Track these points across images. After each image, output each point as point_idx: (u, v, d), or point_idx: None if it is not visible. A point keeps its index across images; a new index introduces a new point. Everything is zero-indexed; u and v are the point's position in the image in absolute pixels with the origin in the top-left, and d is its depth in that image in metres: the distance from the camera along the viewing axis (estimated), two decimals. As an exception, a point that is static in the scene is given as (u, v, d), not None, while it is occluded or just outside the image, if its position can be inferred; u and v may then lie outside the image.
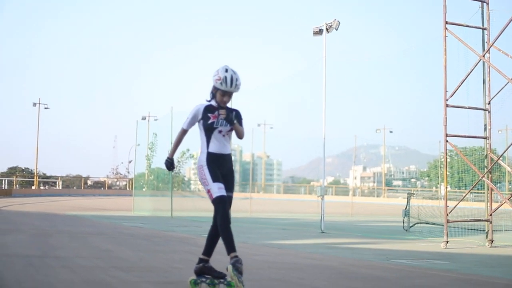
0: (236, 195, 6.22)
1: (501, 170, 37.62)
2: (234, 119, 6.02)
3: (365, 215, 35.69)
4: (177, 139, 6.30)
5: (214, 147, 6.04)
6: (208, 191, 5.93)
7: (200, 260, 6.13)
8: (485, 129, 14.24)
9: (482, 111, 14.26)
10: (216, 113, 6.04)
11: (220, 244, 5.90)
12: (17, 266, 7.58)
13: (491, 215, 13.95)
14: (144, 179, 40.97)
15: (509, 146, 15.09)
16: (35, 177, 59.99)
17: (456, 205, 14.61)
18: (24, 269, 7.25)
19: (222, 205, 5.85)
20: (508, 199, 14.09)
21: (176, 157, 6.40)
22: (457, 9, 15.12)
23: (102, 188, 67.39)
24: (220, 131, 6.03)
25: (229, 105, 6.21)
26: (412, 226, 20.17)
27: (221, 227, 5.82)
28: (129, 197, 39.42)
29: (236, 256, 5.65)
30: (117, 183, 75.94)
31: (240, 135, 6.15)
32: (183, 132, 6.24)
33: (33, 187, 57.64)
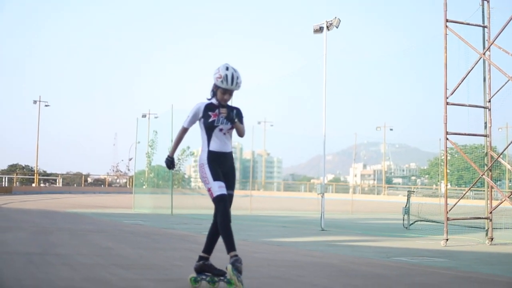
0: (236, 192, 6.23)
1: (501, 168, 37.59)
2: (235, 118, 6.02)
3: (365, 212, 35.68)
4: (177, 137, 6.30)
5: (215, 146, 6.04)
6: (209, 190, 5.93)
7: (200, 258, 6.14)
8: (485, 127, 14.24)
9: (483, 109, 14.25)
10: (216, 111, 6.04)
11: (220, 241, 5.92)
12: (17, 263, 7.59)
13: (491, 213, 13.96)
14: (144, 177, 40.92)
15: (509, 144, 15.07)
16: (35, 174, 60.02)
17: (456, 203, 14.61)
18: (24, 267, 7.25)
19: (222, 203, 5.86)
20: (508, 197, 14.09)
21: (176, 155, 6.40)
22: (457, 7, 15.13)
23: (102, 186, 67.41)
24: (221, 129, 6.03)
25: (229, 103, 6.21)
26: (412, 223, 20.17)
27: (221, 225, 5.83)
28: (129, 194, 39.40)
29: (236, 255, 5.66)
30: (117, 180, 75.92)
31: (240, 133, 6.15)
32: (184, 131, 6.24)
33: (34, 185, 57.61)
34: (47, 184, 63.23)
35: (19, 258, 8.16)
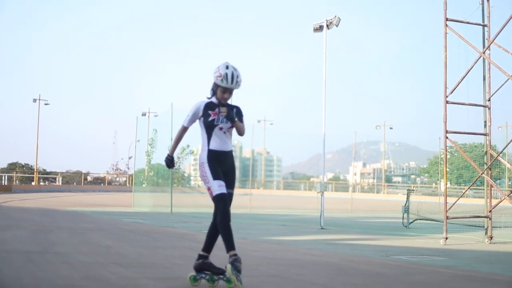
0: (236, 191, 6.23)
1: (501, 167, 37.63)
2: (235, 117, 6.02)
3: (365, 211, 35.71)
4: (177, 136, 6.30)
5: (215, 144, 6.04)
6: (209, 189, 5.94)
7: (200, 256, 6.15)
8: (485, 125, 14.24)
9: (482, 107, 14.25)
10: (216, 110, 6.03)
11: (220, 240, 5.92)
12: (17, 262, 7.59)
13: (490, 211, 13.96)
14: (144, 175, 40.95)
15: (509, 143, 15.07)
16: (35, 173, 60.02)
17: (456, 202, 14.61)
18: (24, 265, 7.26)
19: (222, 202, 5.86)
20: (508, 196, 14.10)
21: (176, 153, 6.41)
22: (457, 5, 15.13)
23: (102, 184, 67.41)
24: (221, 128, 6.03)
25: (229, 101, 6.21)
26: (411, 222, 20.17)
27: (221, 224, 5.83)
28: (129, 193, 39.41)
29: (235, 255, 5.66)
30: (117, 179, 75.92)
31: (240, 132, 6.15)
32: (184, 130, 6.23)
33: (33, 183, 57.64)
34: (46, 182, 63.24)
35: (18, 257, 8.17)
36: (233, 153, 6.25)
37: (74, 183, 64.77)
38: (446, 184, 14.76)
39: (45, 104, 60.39)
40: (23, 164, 68.79)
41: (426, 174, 79.92)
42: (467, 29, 14.37)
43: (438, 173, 53.97)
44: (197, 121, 6.14)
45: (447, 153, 14.93)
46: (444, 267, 8.89)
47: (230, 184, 6.06)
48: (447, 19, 13.98)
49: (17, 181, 58.59)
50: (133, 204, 30.96)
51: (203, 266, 6.12)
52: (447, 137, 13.90)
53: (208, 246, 6.16)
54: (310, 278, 7.29)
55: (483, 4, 14.39)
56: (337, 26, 20.26)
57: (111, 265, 7.64)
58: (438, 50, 14.30)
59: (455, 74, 14.05)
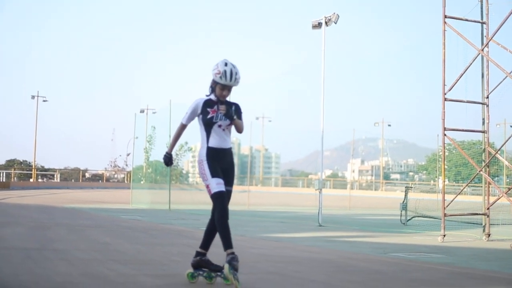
0: (234, 188, 6.22)
1: (499, 164, 37.69)
2: (234, 115, 6.01)
3: (363, 208, 35.72)
4: (176, 134, 6.28)
5: (214, 142, 6.03)
6: (207, 186, 5.94)
7: (197, 253, 6.15)
8: (483, 123, 14.25)
9: (481, 105, 14.26)
10: (215, 107, 6.02)
11: (218, 237, 5.92)
12: (15, 259, 7.59)
13: (488, 209, 13.98)
14: (142, 172, 40.90)
15: (507, 140, 15.10)
16: (33, 169, 59.95)
17: (454, 199, 14.63)
18: (22, 262, 7.26)
19: (220, 200, 5.86)
20: (506, 193, 14.12)
21: (174, 150, 6.38)
22: (456, 3, 15.13)
23: (100, 181, 67.40)
24: (219, 126, 6.02)
25: (228, 99, 6.19)
26: (409, 219, 20.20)
27: (219, 222, 5.83)
28: (127, 190, 39.36)
29: (233, 253, 5.66)
30: (115, 176, 75.90)
31: (239, 130, 6.14)
32: (182, 127, 6.22)
33: (31, 180, 57.56)
34: (45, 179, 63.21)
35: (17, 254, 8.16)
36: (232, 150, 6.25)
37: (72, 180, 64.75)
38: (444, 181, 14.78)
39: (43, 101, 60.32)
40: (21, 160, 68.71)
41: (424, 171, 79.95)
42: (466, 26, 14.38)
43: (436, 170, 54.01)
44: (196, 118, 6.14)
45: (445, 150, 14.94)
46: (441, 264, 8.90)
47: (229, 182, 6.06)
48: (445, 16, 13.97)
49: (15, 178, 58.56)
50: (131, 201, 30.94)
51: (201, 263, 6.12)
52: (445, 134, 13.91)
53: (206, 243, 6.16)
54: (308, 275, 7.29)
55: (481, 1, 14.39)
56: (335, 23, 20.27)
57: (109, 262, 7.64)
58: (437, 47, 14.31)
59: (454, 72, 14.08)
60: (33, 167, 60.36)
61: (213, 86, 6.07)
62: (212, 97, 6.08)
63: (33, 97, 59.47)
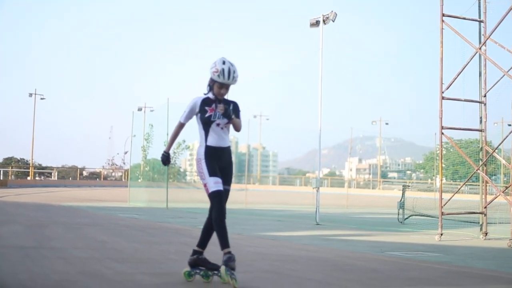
0: (232, 186, 6.21)
1: (496, 163, 37.73)
2: (232, 114, 6.00)
3: (360, 207, 35.73)
4: (174, 133, 6.27)
5: (212, 141, 6.02)
6: (205, 185, 5.93)
7: (194, 252, 6.15)
8: (481, 121, 14.26)
9: (478, 103, 14.27)
10: (213, 106, 6.02)
11: (215, 235, 5.91)
12: (12, 257, 7.59)
13: (485, 207, 14.00)
14: (139, 170, 40.95)
15: (504, 139, 15.12)
16: (30, 167, 59.91)
17: (451, 198, 14.65)
18: (19, 260, 7.25)
19: (217, 199, 5.86)
20: (503, 192, 14.13)
21: (172, 149, 6.37)
22: (454, 1, 15.15)
23: (97, 179, 67.36)
24: (218, 124, 6.01)
25: (226, 96, 6.19)
26: (407, 218, 20.21)
27: (216, 222, 5.83)
28: (124, 188, 39.35)
29: (229, 252, 5.66)
30: (113, 174, 75.91)
31: (237, 128, 6.13)
32: (180, 126, 6.22)
33: (29, 178, 57.53)
34: (42, 177, 63.12)
35: (14, 252, 8.16)
36: (230, 149, 6.24)
37: (70, 178, 64.67)
38: (441, 180, 14.79)
39: (41, 98, 60.29)
40: (19, 158, 68.64)
41: (422, 170, 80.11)
42: (464, 25, 14.39)
43: (433, 169, 54.04)
44: (194, 117, 6.13)
45: (443, 149, 14.95)
46: (439, 263, 8.91)
47: (226, 181, 6.05)
48: (443, 15, 13.98)
49: (12, 176, 58.49)
50: (129, 199, 30.92)
51: (198, 262, 6.12)
52: (442, 133, 13.93)
53: (203, 242, 6.16)
54: (305, 274, 7.30)
55: (479, 0, 14.40)
56: (333, 21, 20.25)
57: (106, 260, 7.64)
58: (435, 46, 14.29)
59: (451, 70, 14.08)
60: (31, 165, 60.33)
61: (211, 85, 6.06)
62: (210, 95, 6.07)
63: (30, 95, 59.43)
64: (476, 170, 14.19)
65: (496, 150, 14.65)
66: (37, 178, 60.63)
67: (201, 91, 6.21)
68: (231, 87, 6.11)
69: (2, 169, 57.89)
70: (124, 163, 72.34)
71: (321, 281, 6.78)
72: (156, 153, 34.54)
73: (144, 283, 6.03)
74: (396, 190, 54.54)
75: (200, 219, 10.50)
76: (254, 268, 7.60)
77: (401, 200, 20.84)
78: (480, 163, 14.25)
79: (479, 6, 14.37)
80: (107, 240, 10.78)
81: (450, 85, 13.89)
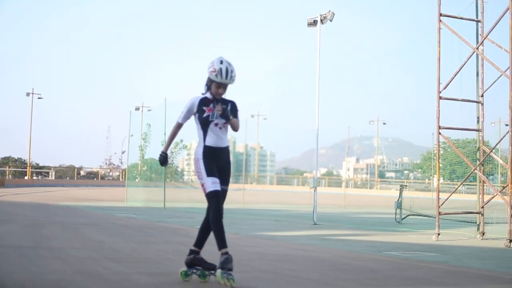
0: (229, 186, 6.21)
1: (493, 163, 37.68)
2: (230, 115, 5.99)
3: (358, 206, 35.72)
4: (172, 133, 6.27)
5: (210, 141, 6.01)
6: (202, 185, 5.93)
7: (191, 252, 6.15)
8: (478, 121, 14.27)
9: (475, 103, 14.29)
10: (211, 106, 6.01)
11: (212, 235, 5.91)
12: (9, 256, 7.58)
13: (482, 207, 14.01)
14: (137, 170, 40.84)
15: (501, 139, 15.10)
16: (28, 167, 59.86)
17: (448, 197, 14.66)
18: (16, 260, 7.25)
19: (215, 199, 5.86)
20: (500, 192, 14.14)
21: (169, 149, 6.36)
22: (451, 1, 15.15)
23: (95, 179, 67.31)
24: (216, 124, 6.00)
25: (224, 96, 6.18)
26: (404, 218, 20.23)
27: (213, 222, 5.82)
28: (122, 187, 39.34)
29: (227, 253, 5.66)
30: (110, 173, 75.84)
31: (235, 128, 6.12)
32: (178, 126, 6.21)
33: (26, 178, 57.49)
34: (39, 177, 63.08)
35: (11, 252, 8.16)
36: (229, 149, 6.22)
37: (67, 178, 64.66)
38: (438, 179, 14.81)
39: (39, 98, 60.21)
40: (16, 158, 68.57)
41: (419, 170, 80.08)
42: (461, 24, 14.40)
43: (431, 169, 54.09)
44: (192, 117, 6.12)
45: (440, 149, 14.97)
46: (436, 263, 8.92)
47: (224, 181, 6.04)
48: (441, 15, 13.99)
49: (10, 176, 58.45)
50: (126, 199, 30.90)
51: (194, 262, 6.12)
52: (440, 133, 13.93)
53: (200, 241, 6.15)
54: (302, 273, 7.30)
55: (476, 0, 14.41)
56: (331, 20, 20.26)
57: (103, 260, 7.64)
58: (432, 46, 14.30)
59: (449, 70, 14.10)
60: (28, 164, 60.28)
61: (209, 84, 6.05)
62: (208, 95, 6.07)
63: (28, 94, 59.33)
64: (474, 170, 14.21)
65: (493, 150, 14.67)
66: (34, 177, 60.63)
67: (199, 90, 6.21)
68: (229, 87, 6.10)
69: (-1, 169, 57.88)
70: (121, 163, 72.36)
71: (319, 281, 6.79)
72: (153, 153, 34.56)
73: (141, 283, 6.03)
74: (393, 190, 54.51)
75: (198, 219, 10.50)
76: (252, 268, 7.60)
77: (398, 200, 20.86)
78: (477, 163, 14.26)
79: (477, 6, 14.39)
80: (104, 239, 10.78)
81: (448, 85, 13.90)
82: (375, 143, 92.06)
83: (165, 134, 27.40)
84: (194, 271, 6.11)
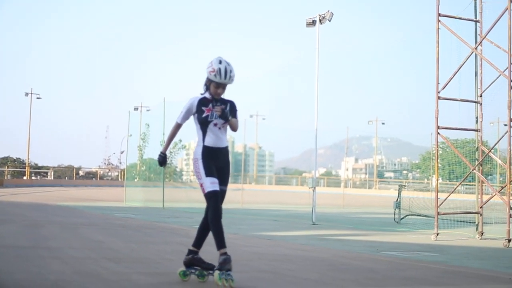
0: (228, 186, 6.21)
1: (492, 163, 37.80)
2: (229, 116, 5.98)
3: (357, 206, 35.72)
4: (171, 133, 6.26)
5: (210, 141, 6.00)
6: (201, 185, 5.92)
7: (190, 252, 6.14)
8: (477, 121, 14.28)
9: (474, 103, 14.29)
10: (210, 106, 6.01)
11: (211, 235, 5.91)
12: (8, 257, 7.58)
13: (481, 207, 14.02)
14: (136, 170, 40.83)
15: (500, 139, 15.11)
16: (26, 167, 59.79)
17: (447, 197, 14.66)
18: (15, 260, 7.25)
19: (214, 200, 5.85)
20: (499, 192, 14.15)
21: (168, 149, 6.35)
22: (450, 1, 15.15)
23: (94, 179, 67.26)
24: (215, 124, 5.99)
25: (223, 96, 6.17)
26: (403, 218, 20.23)
27: (212, 222, 5.82)
28: (121, 187, 39.27)
29: (225, 253, 5.66)
30: (109, 173, 75.82)
31: (234, 129, 6.11)
32: (177, 127, 6.20)
33: (25, 178, 57.42)
34: (38, 177, 63.02)
35: (10, 252, 8.15)
36: (228, 149, 6.22)
37: (66, 178, 64.60)
38: (437, 179, 14.81)
39: (37, 98, 60.13)
40: (15, 158, 68.49)
41: (418, 170, 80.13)
42: (460, 25, 14.41)
43: (430, 169, 54.15)
44: (192, 117, 6.12)
45: (439, 149, 14.98)
46: (435, 263, 8.92)
47: (223, 181, 6.04)
48: (439, 15, 13.99)
49: (8, 176, 58.38)
50: (125, 199, 30.88)
51: (193, 262, 6.12)
52: (438, 133, 13.94)
53: (199, 241, 6.15)
54: (301, 273, 7.30)
55: (475, 0, 14.42)
56: (330, 21, 20.25)
57: (102, 260, 7.64)
58: (432, 46, 14.31)
59: (447, 70, 14.11)
60: (27, 164, 60.22)
61: (208, 84, 6.05)
62: (207, 95, 6.06)
63: (26, 94, 59.27)
64: (472, 170, 14.21)
65: (492, 150, 14.69)
66: (33, 177, 60.54)
67: (198, 90, 6.21)
68: (228, 87, 6.09)
69: (-2, 169, 57.82)
70: (120, 163, 72.35)
71: (317, 281, 6.79)
72: (152, 153, 34.55)
73: (140, 283, 6.03)
74: (392, 190, 54.54)
75: (197, 219, 10.49)
76: (251, 268, 7.60)
77: (397, 200, 20.86)
78: (476, 163, 14.27)
79: (475, 6, 14.39)
80: (103, 240, 10.78)
81: (446, 85, 13.91)
82: (374, 143, 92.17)
83: (164, 134, 27.41)
84: (193, 271, 6.11)
